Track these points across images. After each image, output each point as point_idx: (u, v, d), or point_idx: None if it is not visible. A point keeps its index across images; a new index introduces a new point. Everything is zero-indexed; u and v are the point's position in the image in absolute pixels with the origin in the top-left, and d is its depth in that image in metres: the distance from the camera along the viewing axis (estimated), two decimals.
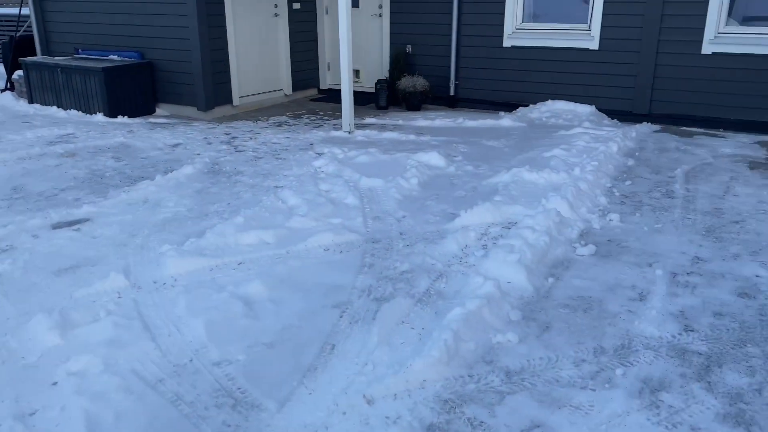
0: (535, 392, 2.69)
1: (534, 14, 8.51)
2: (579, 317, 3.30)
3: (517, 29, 8.51)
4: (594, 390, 2.70)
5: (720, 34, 7.34)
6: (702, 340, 3.08)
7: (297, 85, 9.94)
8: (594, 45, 8.03)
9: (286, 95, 9.79)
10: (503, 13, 8.50)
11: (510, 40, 8.54)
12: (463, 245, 4.09)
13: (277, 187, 5.39)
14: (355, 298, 3.47)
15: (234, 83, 8.70)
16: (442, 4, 8.86)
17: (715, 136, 7.34)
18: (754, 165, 6.12)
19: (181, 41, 8.21)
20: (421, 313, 3.31)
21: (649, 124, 7.84)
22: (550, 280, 3.70)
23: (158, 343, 3.03)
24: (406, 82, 8.85)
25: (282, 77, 9.68)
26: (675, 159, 6.35)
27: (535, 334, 3.14)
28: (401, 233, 4.38)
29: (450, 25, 8.84)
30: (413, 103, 8.92)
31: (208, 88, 8.32)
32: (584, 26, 8.10)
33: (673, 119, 7.80)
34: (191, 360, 2.90)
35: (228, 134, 7.49)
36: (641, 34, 7.69)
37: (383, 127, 7.80)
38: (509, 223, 4.47)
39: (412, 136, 7.23)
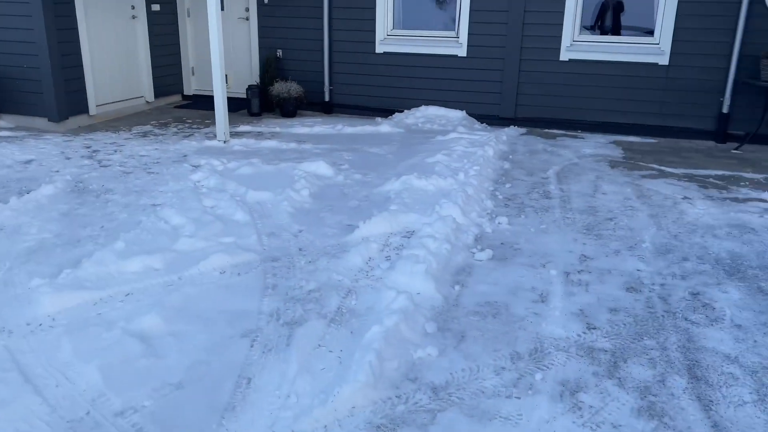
0: (464, 406, 2.68)
1: (404, 21, 8.66)
2: (490, 323, 3.36)
3: (389, 35, 8.60)
4: (519, 398, 2.74)
5: (575, 42, 7.92)
6: (605, 337, 3.25)
7: (159, 92, 9.34)
8: (462, 52, 8.32)
9: (147, 102, 9.16)
10: (374, 20, 8.56)
11: (382, 46, 8.61)
12: (366, 258, 4.02)
13: (155, 205, 4.98)
14: (264, 324, 3.27)
15: (90, 90, 7.97)
16: (311, 9, 8.75)
17: (575, 137, 7.91)
18: (614, 164, 6.65)
19: (26, 44, 7.35)
20: (336, 334, 3.18)
21: (516, 127, 8.27)
22: (457, 287, 3.73)
23: (45, 396, 2.64)
24: (280, 88, 8.62)
25: (143, 83, 9.04)
26: (545, 160, 6.73)
27: (452, 345, 3.14)
28: (301, 249, 4.22)
29: (321, 30, 8.75)
30: (288, 109, 8.72)
31: (60, 97, 7.55)
32: (452, 33, 8.37)
33: (536, 122, 8.29)
34: (88, 412, 2.56)
35: (88, 147, 6.84)
36: (505, 41, 8.09)
37: (260, 135, 7.53)
38: (408, 232, 4.47)
39: (293, 145, 7.04)
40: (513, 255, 4.25)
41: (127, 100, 8.75)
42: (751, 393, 2.79)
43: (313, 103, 9.02)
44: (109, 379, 2.74)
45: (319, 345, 3.08)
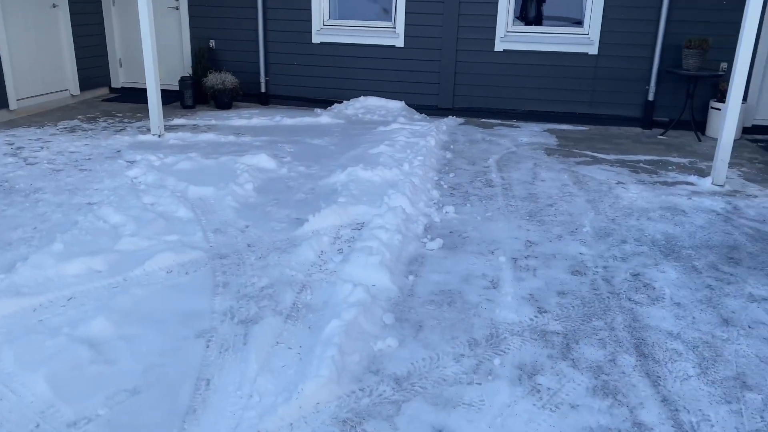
0: (428, 396, 2.70)
1: (340, 11, 8.60)
2: (446, 312, 3.40)
3: (325, 25, 8.52)
4: (480, 384, 2.79)
5: (509, 33, 8.08)
6: (556, 320, 3.35)
7: (85, 84, 8.90)
8: (400, 42, 8.34)
9: (73, 96, 8.72)
10: (310, 9, 8.45)
11: (319, 36, 8.52)
12: (318, 252, 3.99)
13: (91, 203, 4.76)
14: (218, 324, 3.19)
15: (9, 84, 7.50)
16: None
17: (511, 126, 8.09)
18: (549, 151, 6.85)
19: None
20: (294, 330, 3.14)
21: (454, 117, 8.38)
22: (411, 277, 3.76)
23: None
24: (214, 79, 8.39)
25: (67, 76, 8.59)
26: (484, 150, 6.86)
27: (411, 335, 3.16)
28: (249, 245, 4.14)
29: (256, 19, 8.56)
30: (223, 101, 8.50)
31: None
32: (389, 24, 8.38)
33: (474, 112, 8.43)
34: (38, 425, 2.42)
35: (11, 144, 6.44)
36: (442, 32, 8.17)
37: (196, 128, 7.32)
38: (358, 224, 4.46)
39: (231, 137, 6.88)
40: (462, 243, 4.31)
41: (50, 93, 8.29)
42: (694, 367, 2.94)
43: (248, 94, 8.84)
44: (57, 388, 2.60)
45: (278, 342, 3.03)
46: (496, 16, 7.99)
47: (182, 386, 2.69)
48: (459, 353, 3.02)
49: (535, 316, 3.38)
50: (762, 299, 3.62)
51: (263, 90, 8.86)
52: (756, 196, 5.45)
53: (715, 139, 6.50)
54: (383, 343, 3.03)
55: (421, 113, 8.41)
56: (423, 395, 2.70)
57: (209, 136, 6.90)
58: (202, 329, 3.13)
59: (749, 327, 3.32)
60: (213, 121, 7.69)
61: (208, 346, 2.99)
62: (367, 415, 2.56)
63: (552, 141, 7.35)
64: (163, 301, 3.38)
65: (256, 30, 8.60)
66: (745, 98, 7.26)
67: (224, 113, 8.21)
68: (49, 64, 8.22)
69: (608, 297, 3.61)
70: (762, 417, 2.60)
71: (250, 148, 6.39)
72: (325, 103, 8.60)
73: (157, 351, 2.93)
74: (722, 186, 5.62)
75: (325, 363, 2.71)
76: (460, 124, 8.12)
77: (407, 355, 2.98)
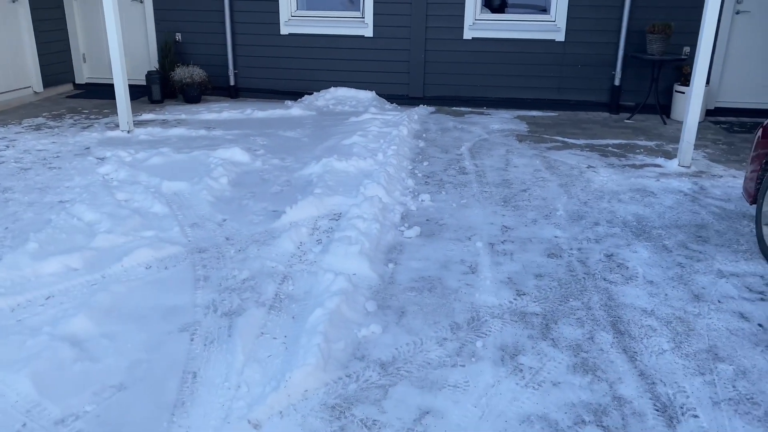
0: (414, 379, 2.75)
1: (309, 2, 8.55)
2: (427, 298, 3.45)
3: (293, 16, 8.47)
4: (464, 366, 2.85)
5: (477, 21, 8.14)
6: (534, 302, 3.43)
7: (49, 81, 8.69)
8: (369, 32, 8.34)
9: (36, 93, 8.51)
10: (277, 0, 8.39)
11: (287, 27, 8.47)
12: (298, 243, 4.00)
13: (63, 201, 4.68)
14: (202, 317, 3.19)
15: None
16: None
17: (482, 113, 8.17)
18: (521, 138, 6.94)
19: None
20: (277, 320, 3.16)
21: (425, 106, 8.42)
22: (390, 265, 3.80)
23: None
24: (182, 73, 8.28)
25: (29, 72, 8.38)
26: (457, 137, 6.92)
27: (394, 321, 3.20)
28: (228, 238, 4.13)
29: (222, 11, 8.47)
30: (192, 95, 8.40)
31: None
32: (358, 14, 8.36)
33: (444, 100, 8.48)
34: (25, 425, 2.41)
35: None
36: (410, 21, 8.19)
37: (166, 123, 7.23)
38: (335, 214, 4.48)
39: (202, 131, 6.81)
40: (439, 230, 4.37)
41: (12, 91, 8.08)
42: (668, 342, 3.05)
43: (217, 87, 8.75)
44: (42, 387, 2.58)
45: (262, 333, 3.05)
46: (464, 4, 8.04)
47: (169, 380, 2.69)
48: (442, 337, 3.07)
49: (515, 299, 3.45)
50: (730, 275, 3.75)
51: (232, 83, 8.78)
52: (721, 176, 5.63)
53: (680, 122, 6.67)
54: (367, 329, 3.07)
55: (392, 103, 8.44)
56: (409, 379, 2.75)
57: (180, 131, 6.82)
58: (186, 323, 3.13)
59: (719, 302, 3.44)
60: (183, 116, 7.60)
61: (192, 340, 2.99)
62: (355, 401, 2.60)
63: (522, 127, 7.44)
64: (144, 297, 3.36)
65: (224, 22, 8.50)
66: (707, 81, 7.45)
67: (194, 107, 8.12)
68: (10, 60, 8.01)
69: (584, 278, 3.71)
70: (734, 386, 2.72)
71: (222, 142, 6.34)
72: (295, 95, 8.56)
73: (141, 347, 2.92)
74: (688, 167, 5.78)
75: (311, 351, 2.74)
76: (432, 112, 8.17)
77: (391, 341, 3.02)
